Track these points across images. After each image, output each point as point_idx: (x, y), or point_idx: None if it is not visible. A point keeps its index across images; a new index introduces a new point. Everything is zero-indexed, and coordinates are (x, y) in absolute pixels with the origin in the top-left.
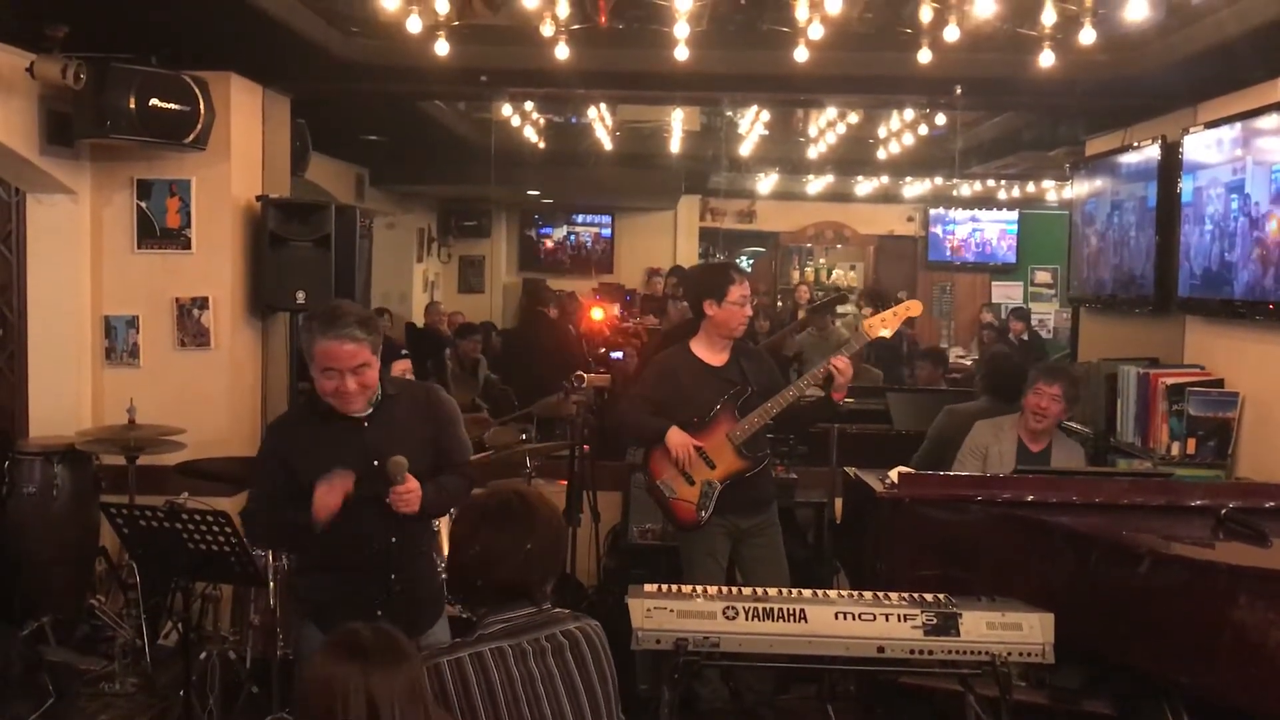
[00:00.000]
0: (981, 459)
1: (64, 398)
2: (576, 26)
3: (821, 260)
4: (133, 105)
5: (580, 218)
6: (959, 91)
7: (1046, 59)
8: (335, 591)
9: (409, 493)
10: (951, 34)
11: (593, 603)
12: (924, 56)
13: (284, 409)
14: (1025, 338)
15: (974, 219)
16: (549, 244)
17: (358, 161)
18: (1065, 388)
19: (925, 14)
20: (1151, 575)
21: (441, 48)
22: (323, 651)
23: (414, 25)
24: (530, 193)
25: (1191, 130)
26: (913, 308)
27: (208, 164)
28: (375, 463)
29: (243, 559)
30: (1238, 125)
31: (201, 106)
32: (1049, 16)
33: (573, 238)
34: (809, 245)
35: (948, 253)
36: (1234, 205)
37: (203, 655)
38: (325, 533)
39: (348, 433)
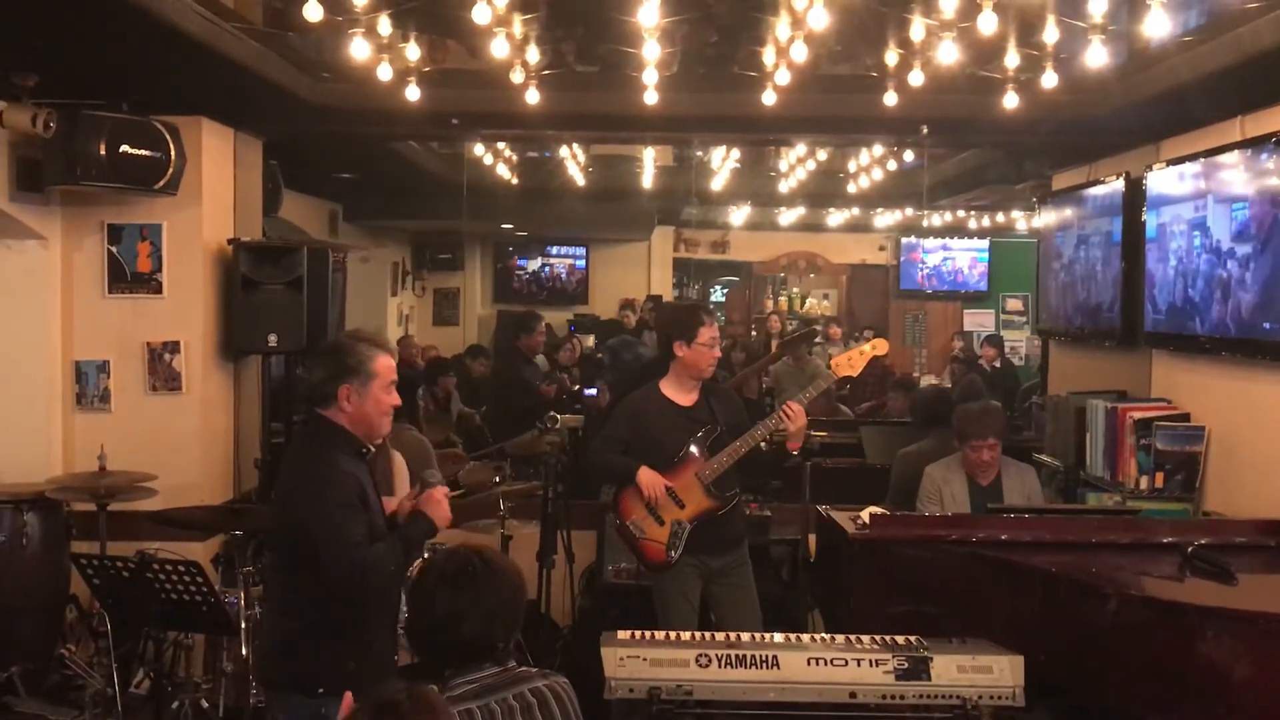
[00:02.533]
0: (939, 503)
1: (34, 444)
2: (547, 71)
3: (795, 289)
4: (103, 152)
5: (554, 249)
6: (925, 131)
7: (1010, 100)
8: (385, 649)
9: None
10: (916, 79)
11: (567, 643)
12: (890, 99)
13: (256, 453)
14: (998, 364)
15: (945, 247)
16: (524, 276)
17: (330, 198)
18: (997, 434)
19: (891, 58)
20: (1119, 614)
21: (412, 93)
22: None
23: (384, 73)
24: (504, 226)
25: (1155, 167)
26: (879, 346)
27: (179, 208)
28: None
29: (214, 608)
30: (1199, 163)
31: (172, 152)
32: (1012, 60)
33: (547, 269)
34: (782, 275)
35: (919, 281)
36: (1196, 241)
37: (175, 704)
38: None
39: (366, 471)
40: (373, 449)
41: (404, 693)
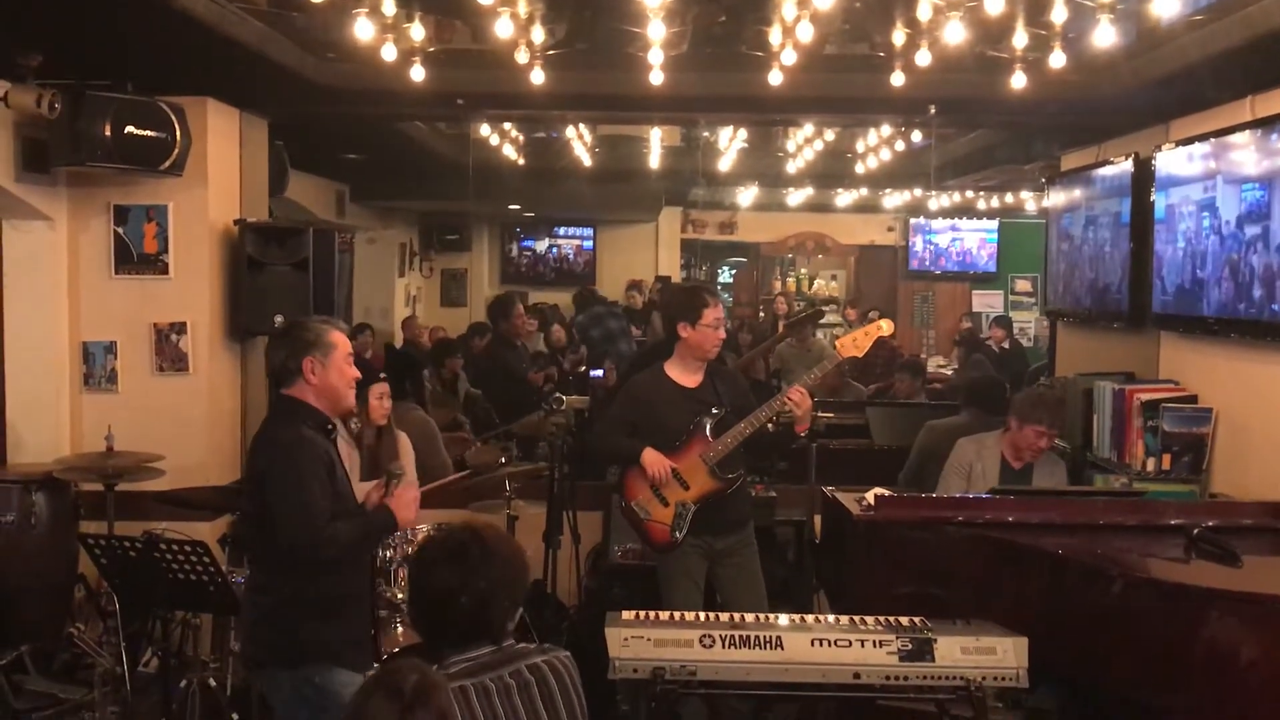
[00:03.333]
0: (965, 477)
1: (42, 424)
2: (552, 52)
3: (803, 270)
4: (108, 133)
5: (562, 230)
6: (933, 111)
7: (1018, 80)
8: (363, 625)
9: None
10: (923, 58)
11: (574, 622)
12: (897, 79)
13: None
14: (1006, 346)
15: (954, 228)
16: (531, 257)
17: (337, 178)
18: (1061, 428)
19: (898, 38)
20: (1123, 596)
21: (417, 73)
22: (379, 695)
23: (389, 53)
24: (511, 207)
25: (1164, 147)
26: (884, 327)
27: (185, 189)
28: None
29: (221, 588)
30: (1208, 143)
31: (178, 133)
32: (1020, 39)
33: (555, 250)
34: (790, 256)
35: (928, 262)
36: (1205, 223)
37: (183, 683)
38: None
39: (331, 446)
40: (339, 425)
41: (415, 672)
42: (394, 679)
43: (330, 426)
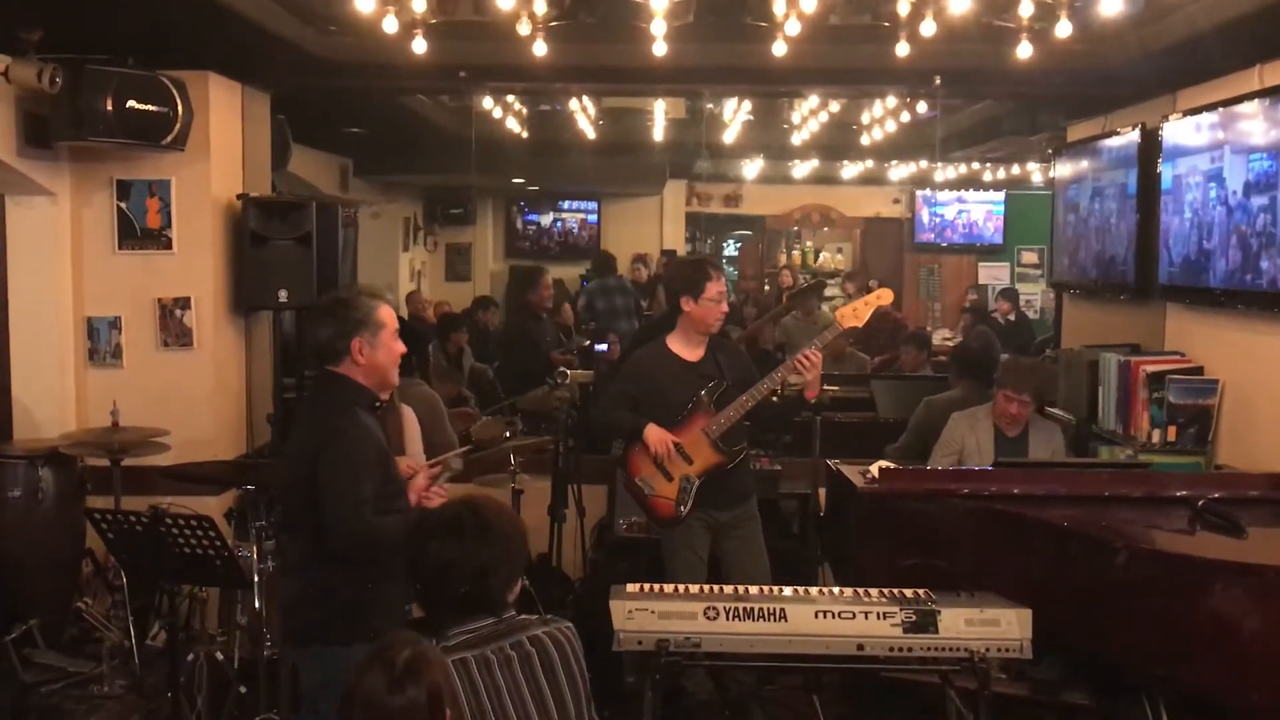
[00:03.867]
0: (956, 453)
1: (48, 400)
2: (554, 23)
3: (808, 243)
4: (110, 107)
5: (566, 204)
6: (938, 82)
7: (1024, 50)
8: (402, 605)
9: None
10: (928, 28)
11: (579, 595)
12: (902, 50)
13: (268, 408)
14: (1012, 318)
15: (960, 200)
16: (535, 230)
17: (341, 152)
18: (1035, 394)
19: (902, 8)
20: (1128, 568)
21: (419, 45)
22: (373, 669)
23: (390, 26)
24: (515, 181)
25: (1171, 118)
26: (884, 296)
27: (187, 163)
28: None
29: (228, 562)
30: (1216, 113)
31: (179, 107)
32: (1026, 9)
33: (559, 224)
34: (795, 228)
35: (934, 235)
36: (1212, 193)
37: (190, 656)
38: None
39: (378, 424)
40: (383, 401)
41: (408, 646)
42: (387, 653)
43: (377, 404)
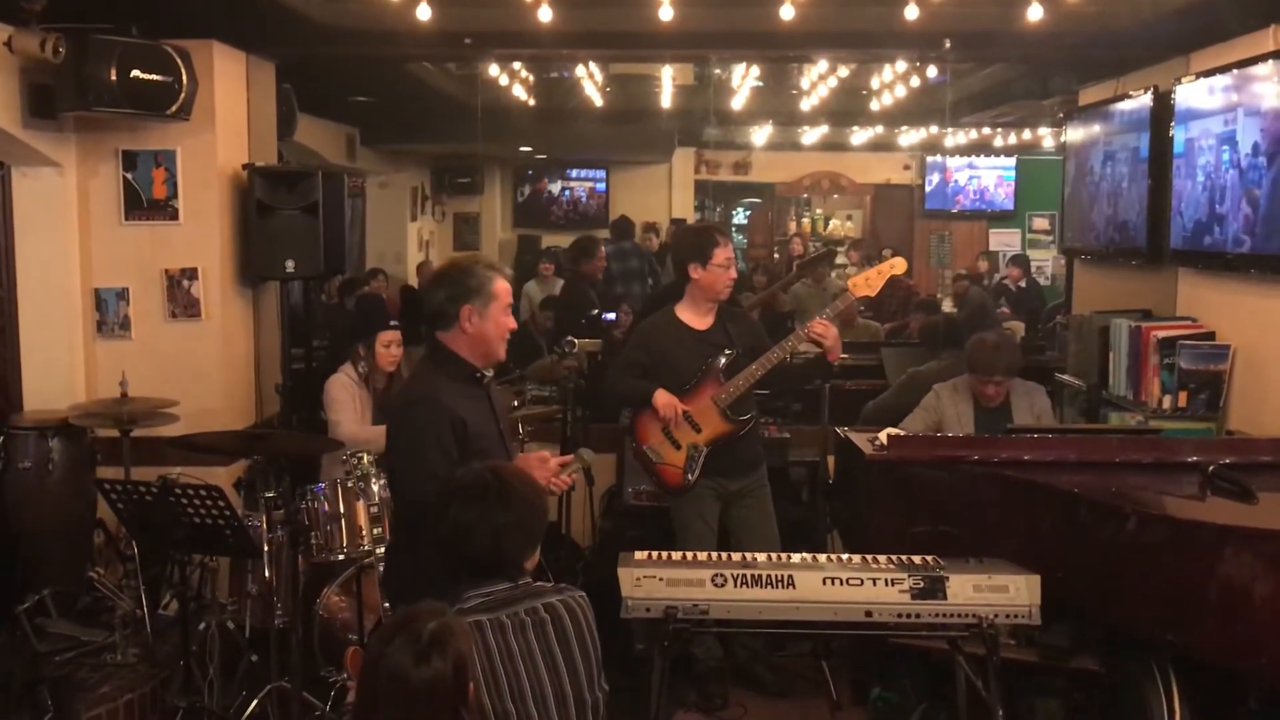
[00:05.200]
0: (934, 424)
1: (56, 371)
2: None
3: (818, 210)
4: (114, 77)
5: (575, 172)
6: (948, 45)
7: (1034, 12)
8: None
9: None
10: None
11: (589, 564)
12: (911, 12)
13: (277, 379)
14: (1023, 285)
15: (971, 166)
16: (543, 199)
17: (347, 122)
18: (1005, 370)
19: None
20: (1138, 533)
21: (423, 12)
22: (398, 639)
23: None
24: (523, 149)
25: (1183, 80)
26: (897, 265)
27: (193, 133)
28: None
29: (238, 532)
30: (1229, 75)
31: (184, 77)
32: None
33: (567, 193)
34: (805, 196)
35: (944, 201)
36: (1225, 157)
37: (202, 625)
38: None
39: (483, 396)
40: (488, 375)
41: (434, 617)
42: (413, 624)
43: (479, 376)
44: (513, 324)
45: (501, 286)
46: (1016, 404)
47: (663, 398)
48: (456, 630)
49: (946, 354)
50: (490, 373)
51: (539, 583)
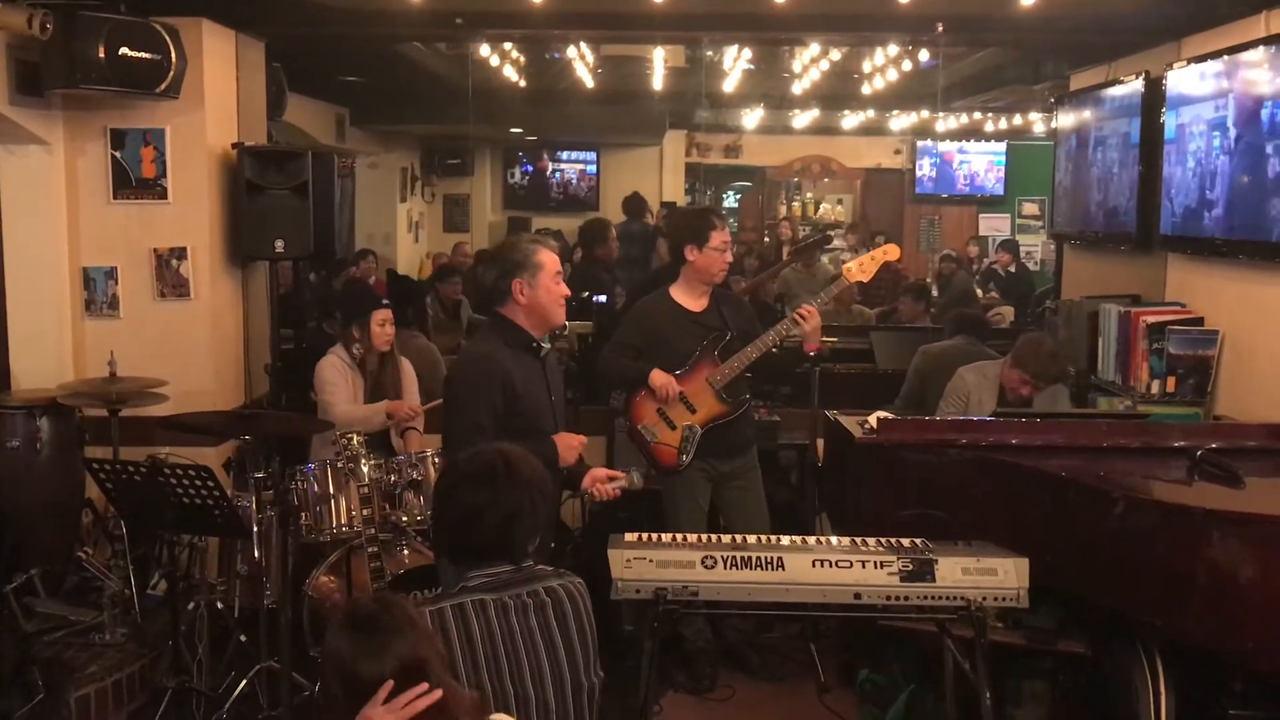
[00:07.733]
0: (963, 404)
1: (45, 350)
2: None
3: (809, 194)
4: (102, 54)
5: (565, 154)
6: (940, 29)
7: None
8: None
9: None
10: None
11: (578, 545)
12: None
13: (266, 359)
14: (1013, 269)
15: (961, 151)
16: (534, 180)
17: (337, 101)
18: (1051, 380)
19: None
20: (1125, 518)
21: None
22: (346, 634)
23: None
24: (513, 131)
25: (1175, 66)
26: (890, 252)
27: (182, 112)
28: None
29: (226, 512)
30: (1221, 61)
31: (173, 54)
32: None
33: (558, 175)
34: (796, 179)
35: (935, 185)
36: (1216, 142)
37: (190, 605)
38: None
39: (537, 366)
40: (546, 346)
41: (378, 604)
42: (356, 617)
43: (536, 345)
44: (565, 290)
45: (547, 256)
46: (1039, 401)
47: (659, 377)
48: (403, 624)
49: (963, 336)
50: (548, 345)
51: (540, 566)
